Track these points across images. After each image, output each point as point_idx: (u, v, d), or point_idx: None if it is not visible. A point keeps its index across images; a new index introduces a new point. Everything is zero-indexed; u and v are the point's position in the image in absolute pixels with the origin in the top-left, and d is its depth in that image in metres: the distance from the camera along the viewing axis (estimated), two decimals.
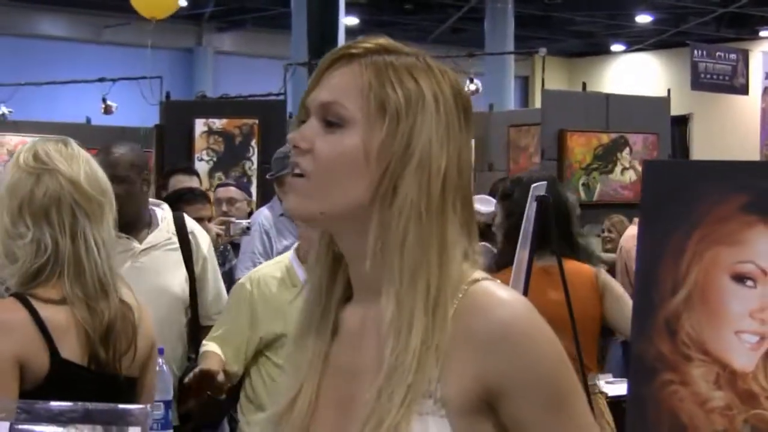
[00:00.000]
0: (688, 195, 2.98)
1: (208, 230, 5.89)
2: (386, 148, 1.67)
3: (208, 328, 4.96)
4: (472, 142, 1.76)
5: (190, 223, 5.06)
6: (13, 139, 13.95)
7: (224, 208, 7.24)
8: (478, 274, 1.71)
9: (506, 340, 1.64)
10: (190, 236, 4.96)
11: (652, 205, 3.08)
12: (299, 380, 1.79)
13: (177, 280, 4.87)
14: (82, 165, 3.16)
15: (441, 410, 1.65)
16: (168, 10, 11.24)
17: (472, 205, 1.76)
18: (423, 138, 1.68)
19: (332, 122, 1.69)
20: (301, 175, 1.70)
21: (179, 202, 6.09)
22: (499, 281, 1.73)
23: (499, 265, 4.41)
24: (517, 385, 1.65)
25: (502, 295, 1.68)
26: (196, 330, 5.01)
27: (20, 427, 2.04)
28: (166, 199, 6.17)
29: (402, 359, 1.64)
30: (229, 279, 6.05)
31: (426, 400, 1.64)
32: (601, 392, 4.48)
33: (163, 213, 4.98)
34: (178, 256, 4.92)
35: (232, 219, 6.51)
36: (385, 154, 1.67)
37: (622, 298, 4.52)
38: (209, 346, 4.64)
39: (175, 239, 4.92)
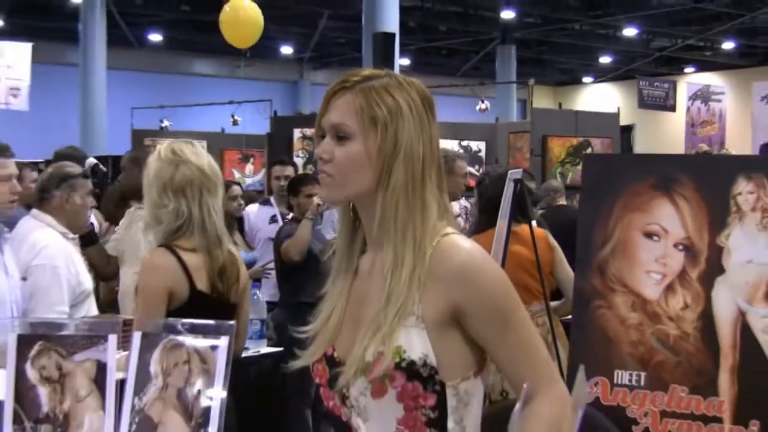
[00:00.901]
0: (613, 177, 2.97)
1: (311, 201, 5.86)
2: (381, 149, 1.67)
3: None
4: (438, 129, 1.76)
5: None
6: None
7: None
8: (449, 229, 1.70)
9: (465, 276, 1.64)
10: None
11: (590, 184, 3.06)
12: (332, 305, 1.79)
13: None
14: (204, 157, 3.21)
15: (421, 324, 1.64)
16: (252, 40, 11.08)
17: (443, 170, 1.75)
18: (405, 137, 1.68)
19: (341, 137, 1.69)
20: (328, 176, 1.71)
21: (300, 183, 6.12)
22: (462, 234, 1.72)
23: (477, 231, 4.39)
24: (474, 307, 1.64)
25: (462, 244, 1.67)
26: None
27: (150, 335, 2.04)
28: (291, 181, 6.20)
29: (396, 286, 1.65)
30: (316, 236, 6.03)
31: (411, 316, 1.64)
32: (555, 310, 4.45)
33: None
34: None
35: None
36: (380, 154, 1.68)
37: (562, 257, 4.51)
38: None
39: None
